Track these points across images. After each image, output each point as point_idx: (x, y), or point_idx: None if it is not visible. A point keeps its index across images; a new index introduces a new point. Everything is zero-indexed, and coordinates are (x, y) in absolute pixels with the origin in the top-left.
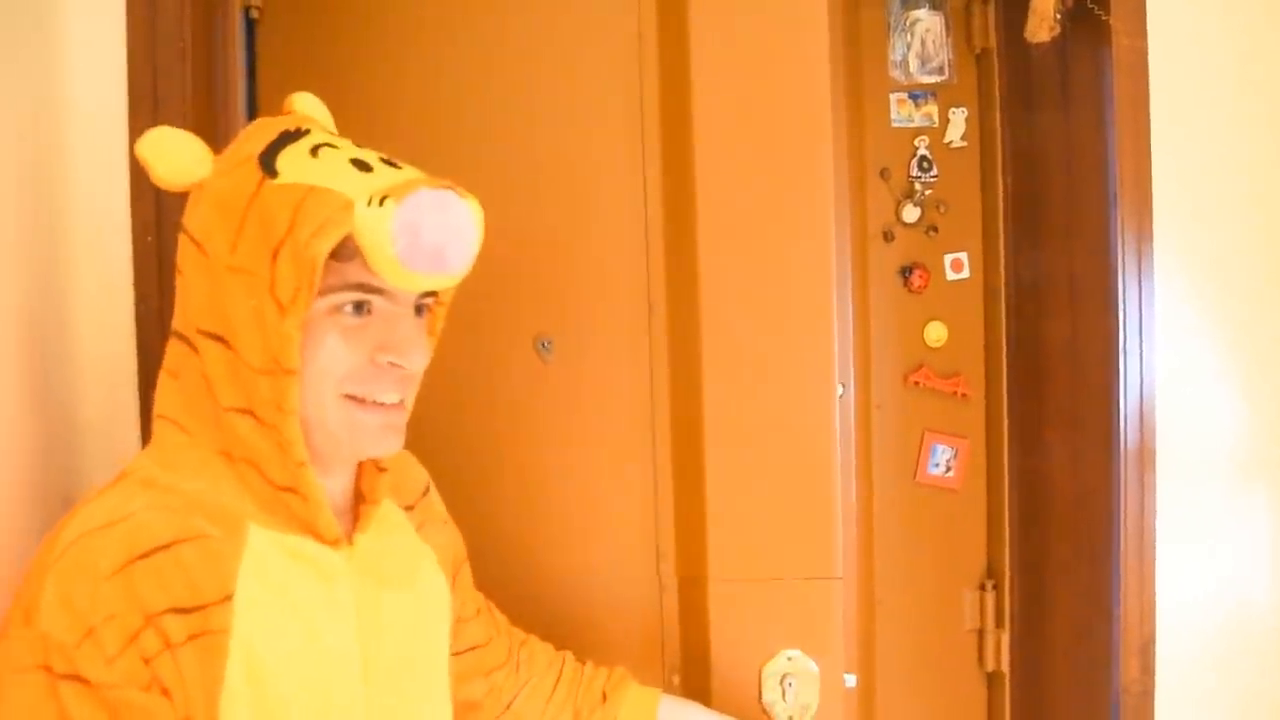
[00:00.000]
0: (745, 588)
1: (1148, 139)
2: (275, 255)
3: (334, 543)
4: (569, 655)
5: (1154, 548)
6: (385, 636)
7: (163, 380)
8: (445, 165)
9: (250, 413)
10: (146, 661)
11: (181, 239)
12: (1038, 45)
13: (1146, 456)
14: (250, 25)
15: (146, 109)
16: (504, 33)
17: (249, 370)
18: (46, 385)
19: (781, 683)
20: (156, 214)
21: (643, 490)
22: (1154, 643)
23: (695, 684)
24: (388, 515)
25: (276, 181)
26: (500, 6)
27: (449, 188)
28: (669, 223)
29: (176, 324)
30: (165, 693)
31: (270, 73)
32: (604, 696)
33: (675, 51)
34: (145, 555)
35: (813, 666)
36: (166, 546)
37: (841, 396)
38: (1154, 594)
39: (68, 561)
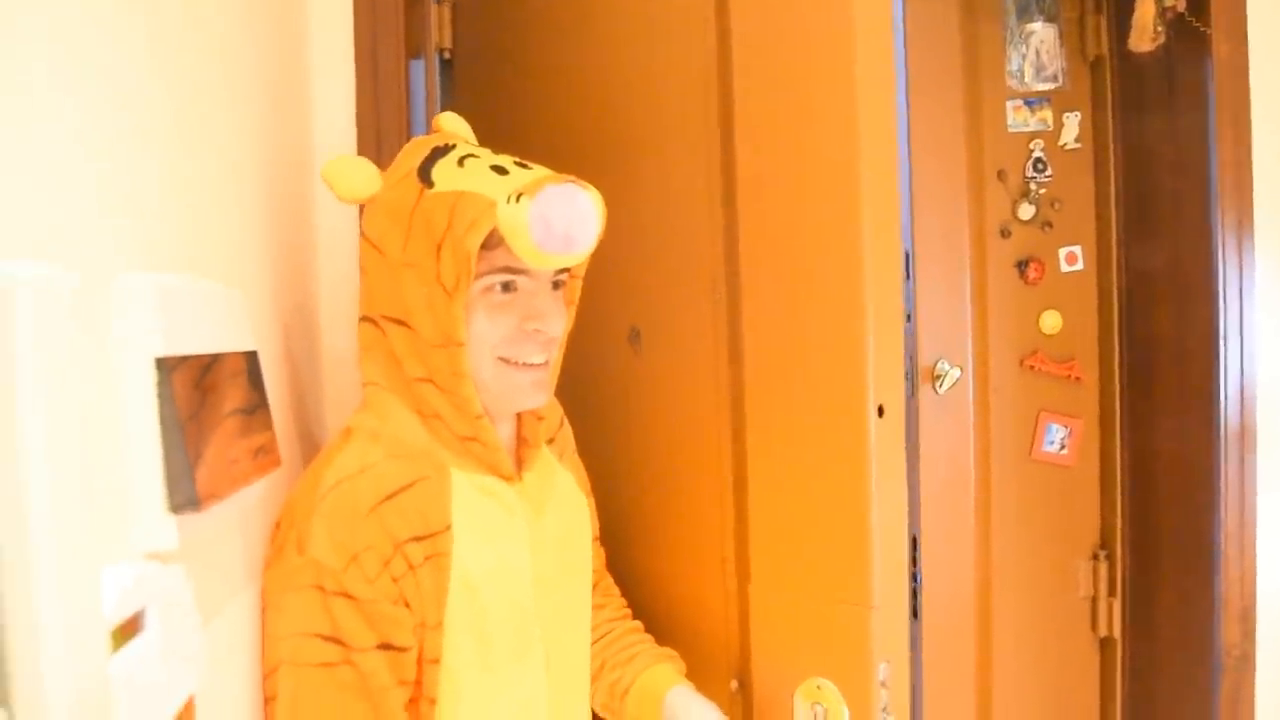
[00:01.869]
0: (783, 603)
1: (1248, 139)
2: (438, 250)
3: (509, 479)
4: (633, 618)
5: (1254, 521)
6: (548, 551)
7: (362, 356)
8: (575, 166)
9: (431, 381)
10: (395, 580)
11: (361, 243)
12: (1143, 54)
13: (1247, 436)
14: (444, 64)
15: (371, 142)
16: (607, 61)
17: (426, 345)
18: (300, 361)
19: (813, 708)
20: None
21: (713, 491)
22: (1254, 609)
23: (746, 694)
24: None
25: (433, 190)
26: (606, 40)
27: (572, 181)
28: (727, 229)
29: (364, 310)
30: (407, 604)
31: (460, 101)
32: (632, 659)
33: (726, 60)
34: (391, 496)
35: (842, 705)
36: (406, 488)
37: (959, 378)
38: (1254, 564)
39: (331, 503)
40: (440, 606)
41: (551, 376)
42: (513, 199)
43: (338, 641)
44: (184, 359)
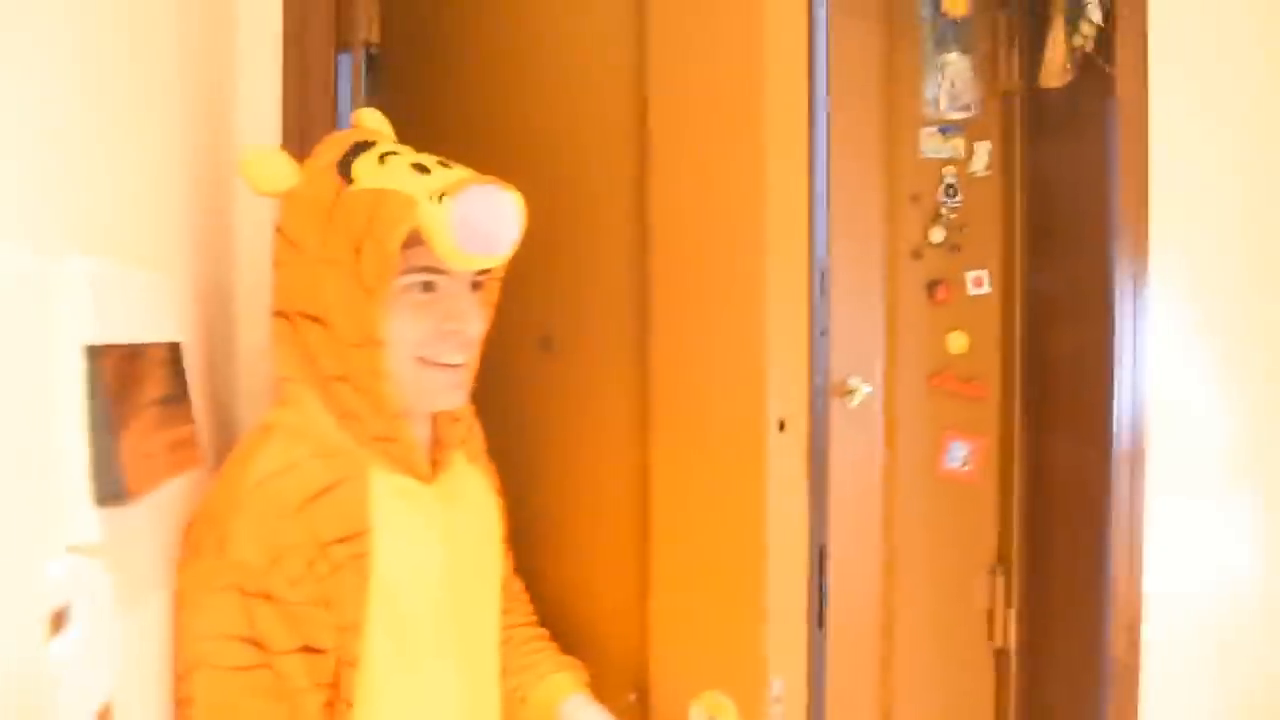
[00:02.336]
0: (682, 615)
1: (1145, 171)
2: (358, 249)
3: (424, 479)
4: (538, 626)
5: (1141, 538)
6: (461, 552)
7: (276, 350)
8: (496, 168)
9: (347, 379)
10: (319, 581)
11: (276, 237)
12: (1052, 89)
13: (1138, 457)
14: (370, 59)
15: (295, 135)
16: (528, 62)
17: (344, 344)
18: (217, 354)
19: None
20: None
21: (617, 500)
22: (1140, 623)
23: (644, 706)
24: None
25: (353, 187)
26: (528, 42)
27: (494, 182)
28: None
29: (278, 305)
30: (328, 606)
31: (385, 96)
32: (532, 666)
33: (642, 69)
34: (317, 496)
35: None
36: (331, 488)
37: (869, 394)
38: (1141, 579)
39: (254, 501)
40: (360, 608)
41: (468, 377)
42: (435, 198)
43: (256, 644)
44: (112, 347)
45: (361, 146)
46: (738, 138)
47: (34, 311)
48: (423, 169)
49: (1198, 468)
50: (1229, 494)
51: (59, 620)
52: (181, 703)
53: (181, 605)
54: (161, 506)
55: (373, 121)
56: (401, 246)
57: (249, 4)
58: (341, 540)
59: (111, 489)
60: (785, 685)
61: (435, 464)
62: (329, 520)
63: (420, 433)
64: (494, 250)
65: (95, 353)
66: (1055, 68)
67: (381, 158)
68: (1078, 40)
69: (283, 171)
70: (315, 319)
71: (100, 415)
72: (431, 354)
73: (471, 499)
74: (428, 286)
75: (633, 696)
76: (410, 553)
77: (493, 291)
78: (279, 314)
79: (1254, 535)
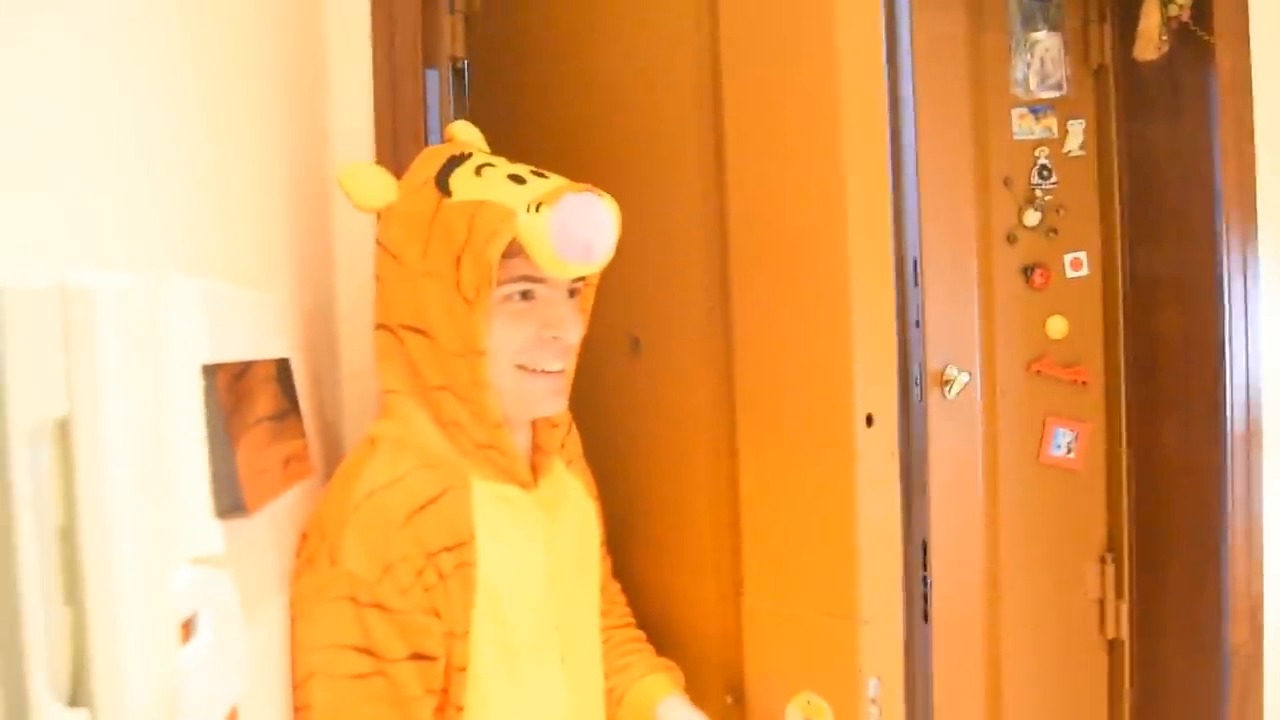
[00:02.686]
0: (776, 615)
1: (1251, 146)
2: (458, 260)
3: (526, 486)
4: (636, 628)
5: (1260, 521)
6: (563, 557)
7: (379, 364)
8: (581, 174)
9: (449, 389)
10: (427, 590)
11: (377, 251)
12: (1147, 62)
13: (1254, 438)
14: (457, 73)
15: (388, 150)
16: (609, 71)
17: (446, 354)
18: (320, 374)
19: None
20: None
21: (708, 501)
22: (1262, 607)
23: (741, 708)
24: None
25: (452, 200)
26: (608, 50)
27: (590, 190)
28: (720, 239)
29: (380, 318)
30: (437, 614)
31: (473, 110)
32: (627, 667)
33: (716, 71)
34: (423, 507)
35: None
36: (436, 498)
37: (967, 383)
38: (1261, 561)
39: (364, 514)
40: (467, 615)
41: (568, 383)
42: (532, 208)
43: (370, 653)
44: (225, 365)
45: (457, 160)
46: (814, 131)
47: (151, 333)
48: (518, 179)
49: None
50: None
51: (188, 629)
52: (299, 709)
53: (296, 616)
54: (277, 517)
55: (466, 134)
56: (501, 256)
57: (339, 25)
58: (448, 549)
59: (231, 501)
60: (882, 685)
61: (535, 470)
62: (435, 530)
63: (521, 440)
64: (592, 258)
65: (211, 371)
66: (1150, 39)
67: (478, 170)
68: (1173, 9)
69: (382, 186)
70: (418, 330)
71: (217, 431)
72: (531, 361)
73: (571, 504)
74: (526, 295)
75: (730, 699)
76: (513, 559)
77: (589, 298)
78: (382, 327)
79: None
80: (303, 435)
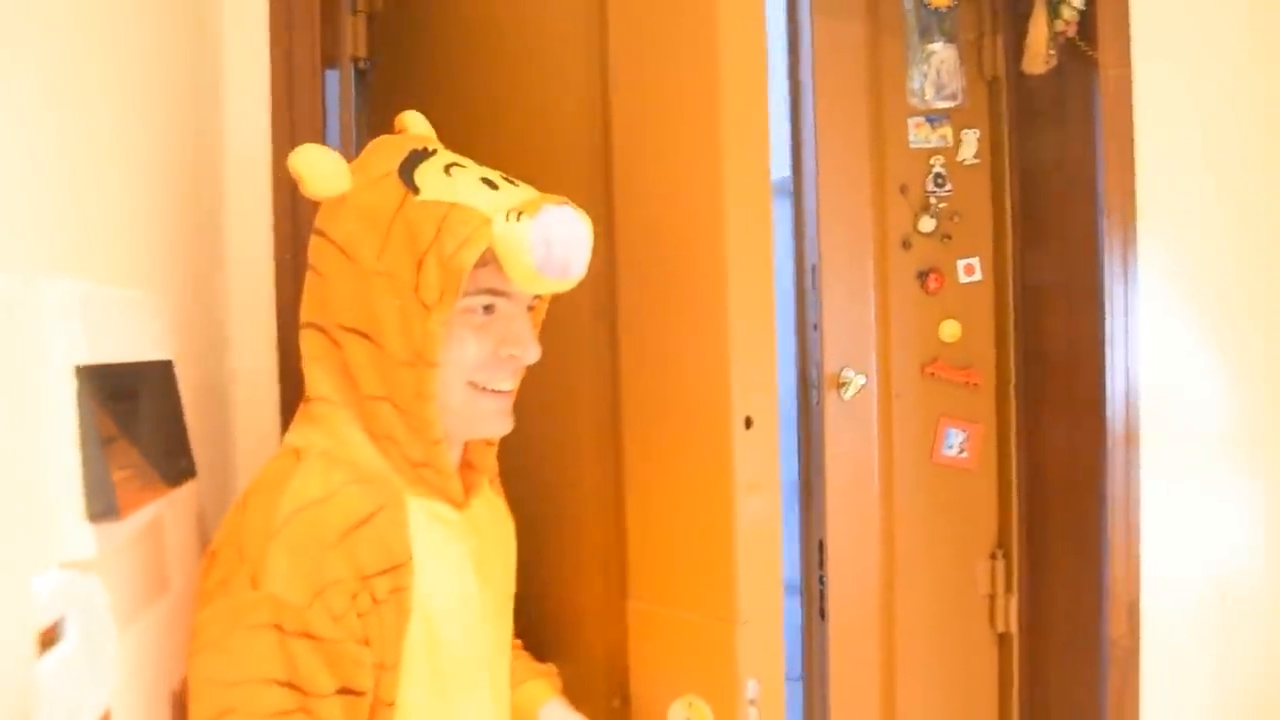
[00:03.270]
0: (660, 619)
1: (1132, 156)
2: (420, 263)
3: (458, 505)
4: (514, 635)
5: (1138, 518)
6: (490, 578)
7: (309, 367)
8: None
9: (389, 399)
10: (360, 617)
11: (319, 243)
12: (1037, 75)
13: (1132, 439)
14: (359, 74)
15: (285, 150)
16: (503, 78)
17: (391, 362)
18: (208, 376)
19: None
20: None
21: (594, 506)
22: (1139, 604)
23: (626, 711)
24: None
25: (419, 198)
26: (502, 58)
27: (568, 203)
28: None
29: (312, 318)
30: (368, 644)
31: (374, 111)
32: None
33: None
34: (358, 525)
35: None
36: (371, 516)
37: (864, 385)
38: (1139, 559)
39: (292, 532)
40: (399, 645)
41: (511, 404)
42: (512, 217)
43: (295, 688)
44: (102, 367)
45: (421, 154)
46: (695, 138)
47: (24, 334)
48: (492, 184)
49: (1194, 450)
50: (1226, 475)
51: (50, 637)
52: None
53: (206, 647)
54: (155, 523)
55: (418, 126)
56: None
57: (236, 24)
58: (383, 572)
59: (104, 504)
60: (761, 686)
61: (466, 489)
62: (371, 551)
63: (453, 457)
64: (569, 274)
65: (86, 373)
66: (1038, 53)
67: (447, 168)
68: (1059, 25)
69: (336, 172)
70: (361, 334)
71: (91, 433)
72: (485, 379)
73: (495, 524)
74: (489, 309)
75: (617, 702)
76: (450, 583)
77: (541, 315)
78: (313, 327)
79: (1252, 515)
80: (185, 437)
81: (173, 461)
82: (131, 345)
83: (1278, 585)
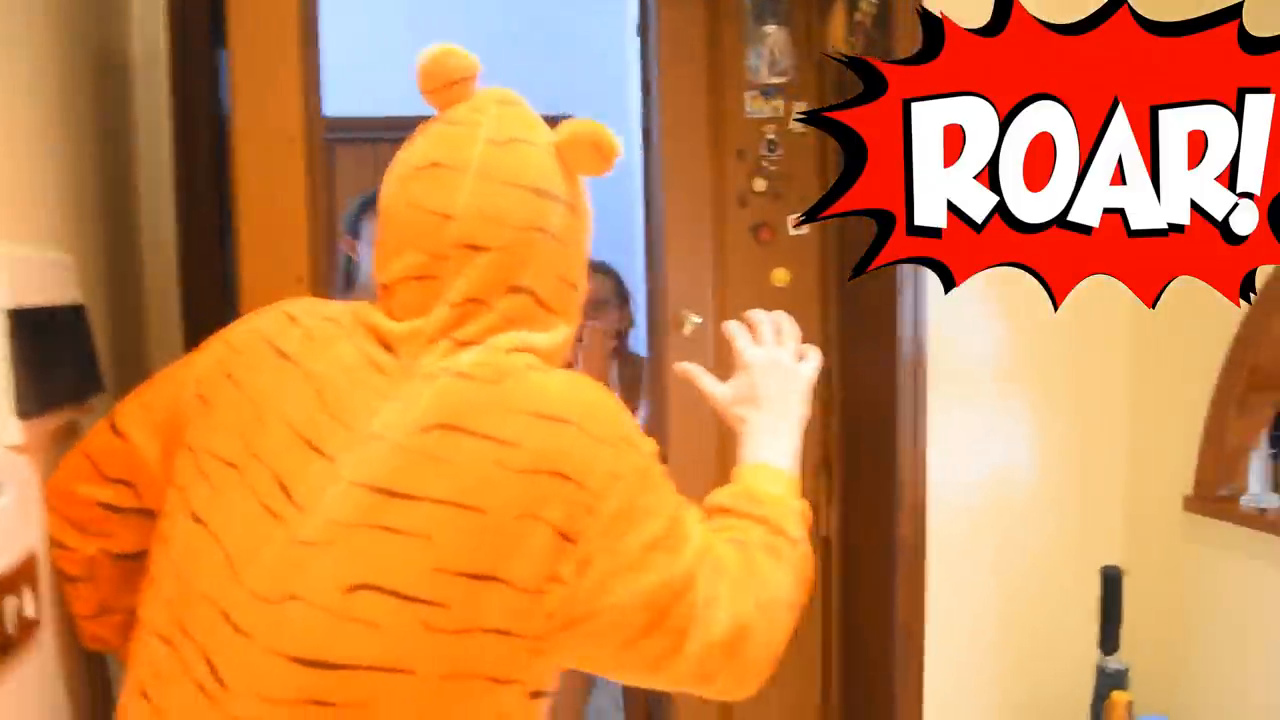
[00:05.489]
0: None
1: None
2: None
3: None
4: None
5: (925, 436)
6: None
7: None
8: None
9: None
10: None
11: (553, 206)
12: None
13: (920, 368)
14: None
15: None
16: None
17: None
18: (120, 312)
19: None
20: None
21: None
22: (925, 509)
23: None
24: None
25: None
26: None
27: None
28: None
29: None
30: None
31: None
32: None
33: None
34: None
35: None
36: None
37: (700, 324)
38: (925, 469)
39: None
40: None
41: None
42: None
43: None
44: (27, 310)
45: None
46: None
47: None
48: None
49: (977, 377)
50: (1003, 399)
51: None
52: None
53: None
54: (69, 424)
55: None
56: None
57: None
58: None
59: (27, 407)
60: None
61: None
62: None
63: None
64: None
65: (14, 314)
66: (838, 41)
67: None
68: (858, 16)
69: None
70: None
71: (20, 357)
72: None
73: None
74: None
75: None
76: None
77: None
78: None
79: (1025, 433)
80: (94, 360)
81: (87, 379)
82: (52, 293)
83: (1046, 492)
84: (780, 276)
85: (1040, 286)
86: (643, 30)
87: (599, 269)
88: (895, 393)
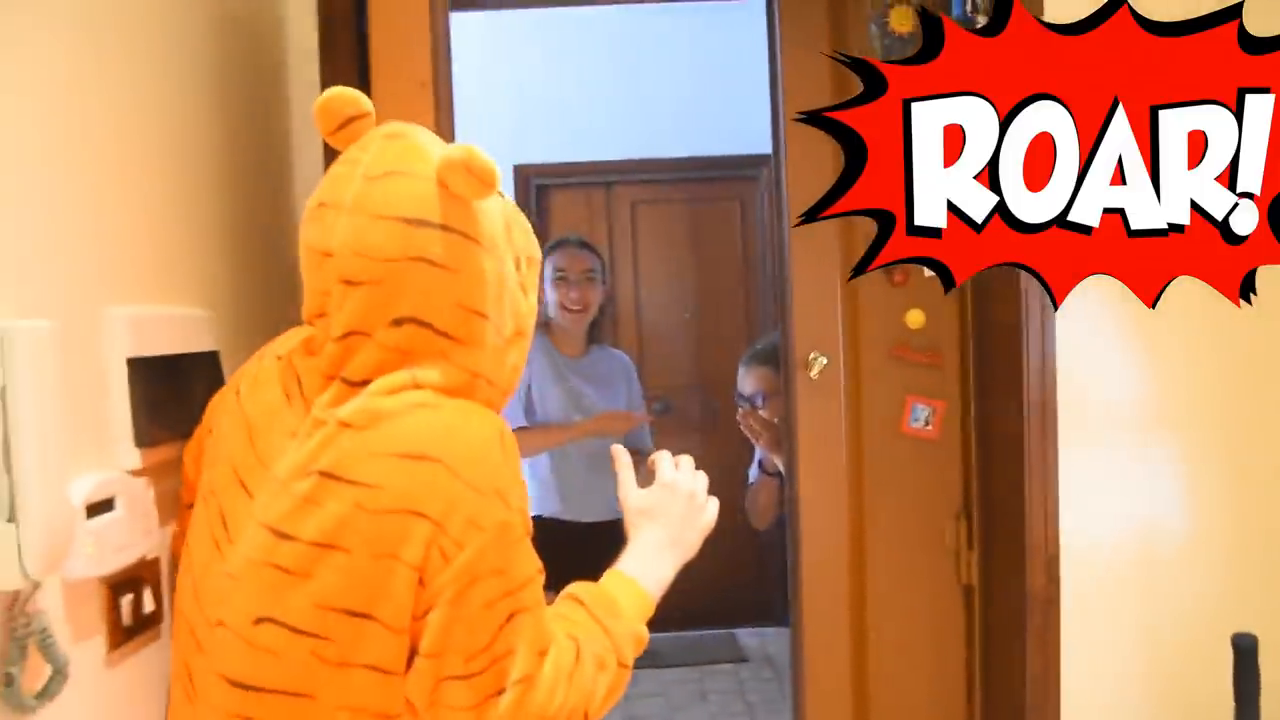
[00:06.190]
0: None
1: None
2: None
3: None
4: None
5: (1055, 481)
6: None
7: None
8: None
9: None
10: None
11: (445, 236)
12: None
13: (1049, 413)
14: None
15: None
16: None
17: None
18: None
19: None
20: None
21: None
22: (1058, 560)
23: None
24: None
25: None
26: None
27: None
28: None
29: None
30: None
31: None
32: None
33: None
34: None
35: None
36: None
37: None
38: (1057, 518)
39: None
40: None
41: None
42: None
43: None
44: (151, 358)
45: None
46: None
47: (100, 342)
48: None
49: (1113, 421)
50: (1145, 445)
51: (107, 504)
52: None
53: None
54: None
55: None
56: None
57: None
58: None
59: (148, 438)
60: None
61: None
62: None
63: None
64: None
65: (135, 362)
66: None
67: None
68: None
69: None
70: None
71: (139, 397)
72: None
73: None
74: None
75: None
76: None
77: None
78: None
79: (1171, 481)
80: None
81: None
82: (182, 343)
83: (1197, 543)
84: (915, 319)
85: (1190, 330)
86: (772, 76)
87: (760, 359)
88: (1023, 436)
